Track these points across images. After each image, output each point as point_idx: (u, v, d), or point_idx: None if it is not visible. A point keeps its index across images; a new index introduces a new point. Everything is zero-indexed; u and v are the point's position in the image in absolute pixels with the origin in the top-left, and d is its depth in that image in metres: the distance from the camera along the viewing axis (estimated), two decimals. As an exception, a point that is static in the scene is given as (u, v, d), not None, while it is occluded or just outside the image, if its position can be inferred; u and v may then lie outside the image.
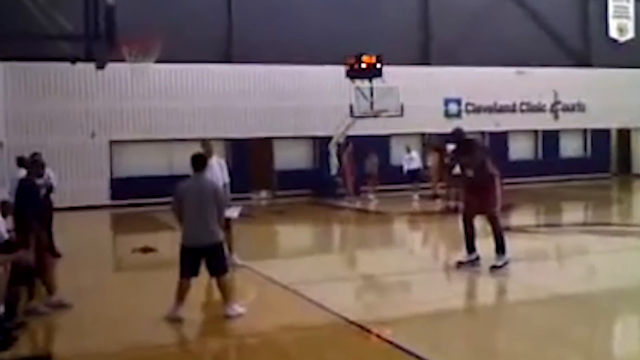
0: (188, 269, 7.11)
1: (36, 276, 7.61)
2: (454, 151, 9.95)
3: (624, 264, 9.84)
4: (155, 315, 7.10)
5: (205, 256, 7.13)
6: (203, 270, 7.25)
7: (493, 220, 9.29)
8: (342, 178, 23.07)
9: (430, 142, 17.26)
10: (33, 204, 7.69)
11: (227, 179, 9.99)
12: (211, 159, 9.42)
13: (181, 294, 7.07)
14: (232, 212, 9.76)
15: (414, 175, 21.84)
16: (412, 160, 21.99)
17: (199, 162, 7.38)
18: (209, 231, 7.09)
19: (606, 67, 29.10)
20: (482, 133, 26.07)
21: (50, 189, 11.18)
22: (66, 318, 7.55)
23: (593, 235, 12.99)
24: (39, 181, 9.53)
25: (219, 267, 7.19)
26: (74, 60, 14.89)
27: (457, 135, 9.81)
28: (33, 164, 8.08)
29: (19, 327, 6.68)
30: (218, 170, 9.74)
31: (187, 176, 7.48)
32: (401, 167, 22.41)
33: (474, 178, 9.41)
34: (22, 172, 11.41)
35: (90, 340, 6.61)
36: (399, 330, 6.58)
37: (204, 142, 9.97)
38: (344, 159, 23.05)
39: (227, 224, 9.14)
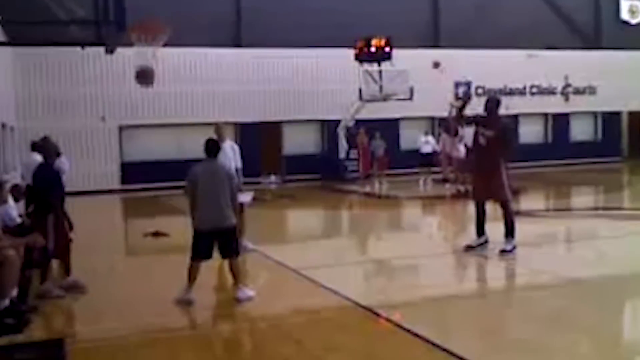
0: (201, 252, 7.19)
1: (55, 258, 7.74)
2: (478, 121, 9.47)
3: (634, 249, 9.81)
4: (167, 298, 7.16)
5: (218, 239, 7.21)
6: (214, 254, 7.32)
7: (505, 206, 9.26)
8: (358, 161, 23.19)
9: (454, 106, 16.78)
10: (56, 188, 7.78)
11: (239, 164, 9.91)
12: (224, 143, 9.38)
13: (192, 276, 7.16)
14: (245, 197, 9.76)
15: (427, 159, 21.91)
16: (427, 143, 22.11)
17: (212, 148, 7.39)
18: (224, 214, 7.16)
19: (618, 50, 28.84)
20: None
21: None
22: (78, 301, 7.64)
23: (603, 219, 12.97)
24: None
25: (231, 250, 7.27)
26: (83, 44, 14.91)
27: (490, 104, 9.34)
28: (46, 147, 8.13)
29: (31, 311, 6.77)
30: (231, 155, 9.69)
31: (197, 160, 7.50)
32: (414, 150, 22.58)
33: (481, 155, 9.29)
34: (35, 157, 11.51)
35: (103, 323, 6.69)
36: (408, 313, 6.62)
37: (217, 126, 9.88)
38: (358, 143, 23.12)
39: (240, 208, 9.17)
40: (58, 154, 8.06)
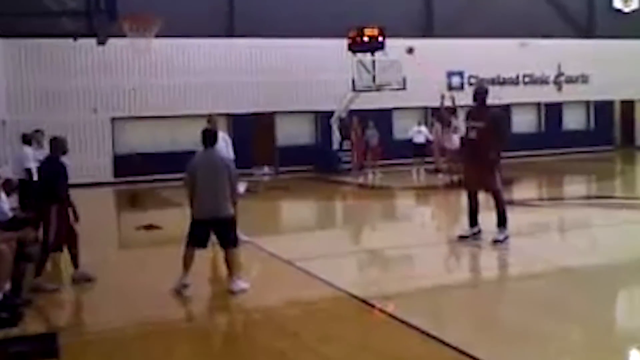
0: (197, 240, 7.26)
1: (55, 250, 7.83)
2: (468, 113, 9.60)
3: (626, 237, 9.85)
4: (162, 291, 7.17)
5: (216, 228, 7.26)
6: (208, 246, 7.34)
7: (496, 196, 9.28)
8: (351, 152, 23.22)
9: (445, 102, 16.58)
10: (62, 181, 7.82)
11: (232, 155, 9.93)
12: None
13: (187, 263, 7.22)
14: (239, 188, 9.75)
15: (420, 149, 21.91)
16: (420, 133, 22.10)
17: (210, 137, 7.45)
18: (223, 204, 7.21)
19: (610, 38, 28.83)
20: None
21: None
22: (72, 295, 7.66)
23: (595, 208, 13.01)
24: (40, 157, 9.72)
25: (230, 239, 7.31)
26: (75, 36, 14.84)
27: (480, 95, 9.38)
28: (54, 141, 8.14)
29: (26, 304, 6.76)
30: (223, 146, 9.69)
31: (190, 152, 7.51)
32: (407, 140, 22.55)
33: (473, 146, 9.29)
34: (27, 150, 11.49)
35: (97, 316, 6.70)
36: (401, 304, 6.65)
37: (210, 117, 9.93)
38: (352, 133, 23.09)
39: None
40: (64, 152, 8.12)
